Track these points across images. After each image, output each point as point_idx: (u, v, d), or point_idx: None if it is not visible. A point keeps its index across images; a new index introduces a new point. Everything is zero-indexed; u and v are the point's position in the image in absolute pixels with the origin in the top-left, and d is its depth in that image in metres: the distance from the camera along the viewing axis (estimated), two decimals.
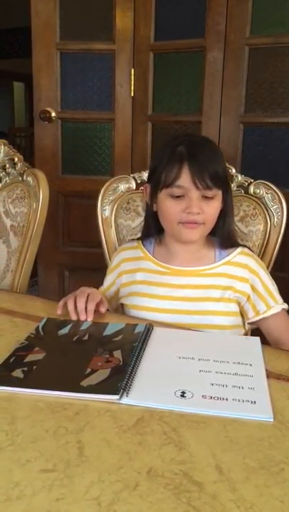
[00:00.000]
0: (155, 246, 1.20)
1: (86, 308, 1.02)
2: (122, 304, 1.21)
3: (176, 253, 1.15)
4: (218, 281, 1.12)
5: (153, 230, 1.19)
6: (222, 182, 1.07)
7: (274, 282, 1.16)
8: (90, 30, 2.26)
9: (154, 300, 1.13)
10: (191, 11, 2.12)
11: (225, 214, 1.13)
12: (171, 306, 1.11)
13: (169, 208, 1.08)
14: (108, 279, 1.25)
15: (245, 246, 1.19)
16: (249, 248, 1.20)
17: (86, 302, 1.03)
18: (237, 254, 1.14)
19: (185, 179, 1.04)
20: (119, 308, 1.23)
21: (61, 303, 1.06)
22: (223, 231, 1.14)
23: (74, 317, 1.02)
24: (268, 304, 1.12)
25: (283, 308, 1.14)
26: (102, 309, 1.06)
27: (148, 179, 1.17)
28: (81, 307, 1.02)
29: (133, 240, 1.28)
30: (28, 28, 2.27)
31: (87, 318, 1.01)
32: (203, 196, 1.05)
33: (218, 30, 2.06)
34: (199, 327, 1.07)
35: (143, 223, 1.26)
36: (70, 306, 1.03)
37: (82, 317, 1.01)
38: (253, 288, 1.12)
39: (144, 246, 1.21)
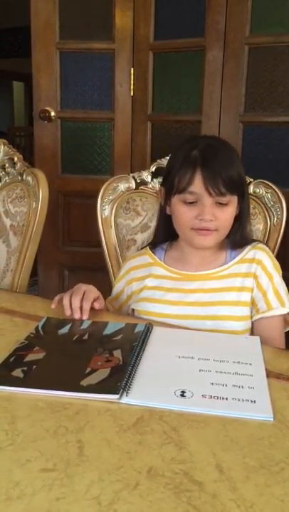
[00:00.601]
0: (167, 251, 1.18)
1: (82, 306, 1.02)
2: (133, 309, 1.18)
3: (188, 257, 1.13)
4: (230, 282, 1.09)
5: (165, 233, 1.16)
6: (237, 187, 1.04)
7: (283, 282, 1.12)
8: (90, 30, 2.26)
9: (165, 306, 1.10)
10: (191, 10, 2.12)
11: (240, 219, 1.10)
12: (183, 312, 1.09)
13: (182, 214, 1.05)
14: (116, 288, 1.23)
15: (258, 241, 1.16)
16: (263, 243, 1.17)
17: (82, 300, 1.02)
18: (249, 250, 1.11)
19: (198, 185, 1.01)
20: (130, 315, 1.20)
21: (57, 298, 1.06)
22: (236, 236, 1.11)
23: (68, 313, 1.01)
24: (269, 303, 1.08)
25: (283, 314, 1.10)
26: (96, 305, 1.05)
27: (162, 182, 1.15)
28: (76, 305, 1.01)
29: (142, 248, 1.26)
30: (28, 28, 2.26)
31: (82, 317, 1.01)
32: (216, 202, 1.02)
33: (217, 29, 2.05)
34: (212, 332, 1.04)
35: (155, 227, 1.23)
36: (66, 302, 1.02)
37: (77, 315, 1.01)
38: (258, 284, 1.09)
39: (154, 252, 1.18)
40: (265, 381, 0.78)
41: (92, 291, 1.06)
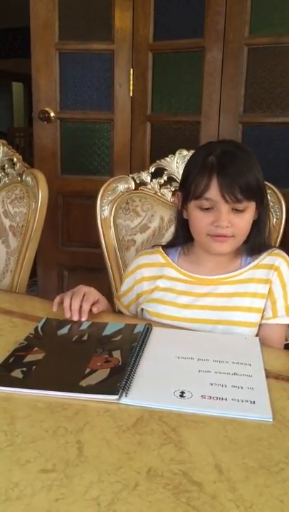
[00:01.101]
0: (180, 255, 1.16)
1: (81, 307, 1.02)
2: (142, 309, 1.17)
3: (203, 262, 1.11)
4: (244, 288, 1.07)
5: (182, 238, 1.14)
6: (254, 194, 1.02)
7: None
8: (89, 30, 2.26)
9: (176, 309, 1.09)
10: (190, 10, 2.12)
11: (258, 225, 1.08)
12: (194, 316, 1.07)
13: (198, 220, 1.04)
14: (125, 285, 1.21)
15: (276, 248, 1.14)
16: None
17: (82, 301, 1.03)
18: (266, 256, 1.09)
19: (214, 192, 0.99)
20: (139, 314, 1.19)
21: (57, 299, 1.06)
22: (254, 242, 1.09)
23: (68, 315, 1.02)
24: (276, 311, 1.07)
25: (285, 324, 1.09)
26: (94, 309, 1.04)
27: (179, 187, 1.13)
28: (75, 307, 1.02)
29: (154, 245, 1.23)
30: (27, 28, 2.27)
31: (81, 318, 1.01)
32: (233, 209, 1.00)
33: (217, 29, 2.06)
34: None
35: (174, 231, 1.21)
36: (66, 304, 1.03)
37: (75, 317, 1.01)
38: (270, 291, 1.07)
39: (167, 253, 1.17)
40: (264, 382, 0.78)
41: (92, 294, 1.06)
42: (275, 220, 1.29)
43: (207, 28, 2.07)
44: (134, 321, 1.03)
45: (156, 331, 0.97)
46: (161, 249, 1.18)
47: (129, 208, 1.42)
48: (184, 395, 0.73)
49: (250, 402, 0.72)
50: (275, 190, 1.29)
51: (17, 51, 7.10)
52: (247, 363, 0.84)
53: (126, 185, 1.43)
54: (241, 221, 1.02)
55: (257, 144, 2.12)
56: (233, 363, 0.84)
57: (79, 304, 1.02)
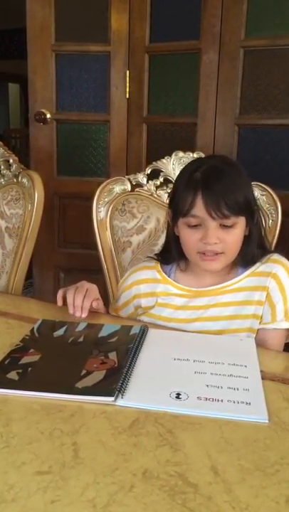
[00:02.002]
0: (177, 270, 1.14)
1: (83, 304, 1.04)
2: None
3: (200, 277, 1.10)
4: (242, 296, 1.07)
5: (175, 254, 1.12)
6: (243, 210, 1.00)
7: None
8: (86, 32, 2.27)
9: (176, 324, 1.08)
10: (187, 12, 2.12)
11: (249, 242, 1.06)
12: (194, 328, 1.06)
13: (187, 238, 1.03)
14: (122, 298, 1.18)
15: (274, 252, 1.12)
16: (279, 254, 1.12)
17: (84, 298, 1.04)
18: (264, 263, 1.08)
19: (199, 209, 0.98)
20: None
21: (60, 293, 1.06)
22: (246, 257, 1.07)
23: (71, 311, 1.04)
24: (275, 316, 1.06)
25: (285, 329, 1.08)
26: (94, 304, 1.06)
27: (169, 205, 1.12)
28: (78, 304, 1.03)
29: (151, 258, 1.19)
30: (24, 30, 2.26)
31: (82, 315, 1.03)
32: (221, 225, 0.99)
33: (213, 32, 2.06)
34: None
35: (163, 245, 1.19)
36: (70, 300, 1.04)
37: (78, 313, 1.03)
38: (268, 296, 1.06)
39: (163, 269, 1.14)
40: (260, 383, 0.78)
41: (94, 291, 1.07)
42: (271, 221, 1.29)
43: (203, 30, 2.08)
44: (130, 323, 1.03)
45: (152, 333, 0.97)
46: (158, 265, 1.15)
47: (125, 210, 1.42)
48: (180, 396, 0.73)
49: (246, 403, 0.72)
50: (271, 192, 1.30)
51: (13, 52, 7.10)
52: (243, 365, 0.84)
53: (122, 187, 1.43)
54: (230, 237, 1.01)
55: (253, 146, 2.13)
56: (229, 364, 0.84)
57: (82, 300, 1.03)
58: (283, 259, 1.08)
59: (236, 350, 0.92)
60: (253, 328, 1.06)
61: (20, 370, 0.80)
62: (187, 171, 1.04)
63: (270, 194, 1.29)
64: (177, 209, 1.02)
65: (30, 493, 0.53)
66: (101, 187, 1.43)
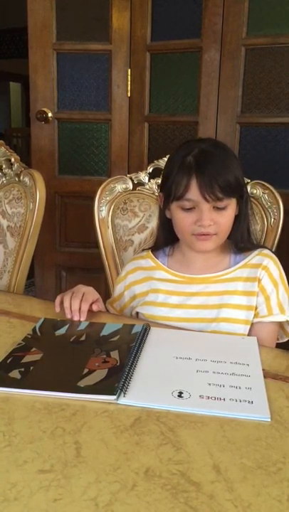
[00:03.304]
0: (169, 256, 1.17)
1: (80, 308, 1.03)
2: (137, 313, 1.18)
3: (191, 260, 1.12)
4: (234, 286, 1.09)
5: (166, 238, 1.15)
6: (234, 191, 1.03)
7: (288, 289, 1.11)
8: (87, 31, 2.26)
9: (169, 309, 1.10)
10: (188, 11, 2.12)
11: (239, 220, 1.10)
12: (186, 315, 1.08)
13: (181, 220, 1.05)
14: (117, 290, 1.22)
15: (265, 247, 1.15)
16: (271, 250, 1.16)
17: (81, 302, 1.04)
18: (255, 256, 1.11)
19: (194, 192, 1.00)
20: (134, 317, 1.20)
21: (58, 300, 1.06)
22: (237, 236, 1.11)
23: (69, 316, 1.03)
24: (271, 309, 1.08)
25: (281, 322, 1.10)
26: (94, 307, 1.06)
27: (160, 188, 1.14)
28: (75, 308, 1.03)
29: (143, 250, 1.24)
30: (25, 29, 2.26)
31: (80, 319, 1.02)
32: (214, 207, 1.02)
33: (214, 30, 2.06)
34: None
35: (156, 231, 1.22)
36: (66, 304, 1.04)
37: (76, 317, 1.02)
38: (262, 289, 1.08)
39: (156, 256, 1.18)
40: (262, 382, 0.78)
41: (90, 293, 1.07)
42: (272, 220, 1.29)
43: (205, 29, 2.08)
44: (131, 322, 1.03)
45: (154, 331, 0.97)
46: (150, 253, 1.19)
47: (126, 208, 1.42)
48: (182, 395, 0.73)
49: (248, 402, 0.72)
50: (273, 190, 1.29)
51: (14, 52, 7.11)
52: (245, 363, 0.84)
53: (124, 186, 1.43)
54: (223, 218, 1.04)
55: (254, 145, 2.13)
56: (231, 363, 0.84)
57: (78, 305, 1.03)
58: (272, 254, 1.12)
59: (238, 349, 0.92)
60: (248, 319, 1.07)
61: (22, 369, 0.80)
62: (179, 155, 1.05)
63: (272, 192, 1.29)
64: (170, 193, 1.04)
65: (32, 491, 0.53)
66: (102, 186, 1.43)
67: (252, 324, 1.08)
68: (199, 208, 1.02)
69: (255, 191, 1.31)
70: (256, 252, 1.11)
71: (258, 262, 1.09)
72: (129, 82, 2.24)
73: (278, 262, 1.12)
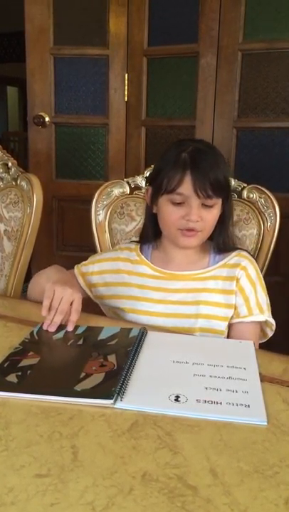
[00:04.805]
0: (152, 251, 1.20)
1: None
2: (115, 308, 1.20)
3: (173, 257, 1.16)
4: (212, 284, 1.12)
5: (151, 232, 1.18)
6: (223, 190, 1.07)
7: (267, 295, 1.14)
8: (84, 35, 2.27)
9: (150, 304, 1.13)
10: (185, 16, 2.13)
11: (223, 221, 1.13)
12: (166, 310, 1.12)
13: (169, 214, 1.08)
14: (98, 265, 1.22)
15: (243, 249, 1.19)
16: (249, 252, 1.20)
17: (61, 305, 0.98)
18: (234, 257, 1.14)
19: (186, 187, 1.04)
20: (102, 305, 1.23)
21: (44, 306, 1.00)
22: (219, 238, 1.14)
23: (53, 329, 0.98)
24: (251, 309, 1.11)
25: (260, 323, 1.12)
26: (69, 327, 0.99)
27: (150, 182, 1.17)
28: (56, 321, 0.98)
29: (132, 241, 1.28)
30: (23, 33, 2.27)
31: (68, 328, 0.98)
32: (202, 204, 1.06)
33: (211, 35, 2.07)
34: (194, 330, 1.09)
35: (142, 225, 1.25)
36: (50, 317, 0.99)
37: (51, 329, 0.97)
38: (241, 289, 1.11)
39: (141, 250, 1.21)
40: (259, 385, 0.78)
41: (66, 297, 0.99)
42: (268, 224, 1.30)
43: (201, 34, 2.09)
44: (129, 325, 1.03)
45: (151, 335, 0.97)
46: (138, 248, 1.21)
47: (124, 213, 1.42)
48: (179, 399, 0.73)
49: (245, 405, 0.72)
50: (269, 194, 1.30)
51: (12, 56, 7.12)
52: (241, 367, 0.84)
53: (121, 190, 1.43)
54: (210, 216, 1.08)
55: (251, 149, 2.14)
56: (227, 366, 0.84)
57: (60, 317, 0.98)
58: (250, 256, 1.17)
59: (235, 353, 0.92)
60: (227, 316, 1.11)
61: (19, 373, 0.80)
62: (173, 152, 1.08)
63: (269, 196, 1.30)
64: (161, 186, 1.07)
65: (29, 496, 0.53)
66: (100, 190, 1.43)
67: (234, 325, 1.11)
68: (189, 204, 1.05)
69: (251, 195, 1.31)
70: (235, 253, 1.15)
71: (237, 263, 1.13)
72: (126, 87, 2.25)
73: (256, 264, 1.16)
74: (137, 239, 1.27)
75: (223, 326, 1.10)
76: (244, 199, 1.32)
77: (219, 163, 1.08)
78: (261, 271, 1.29)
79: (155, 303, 1.13)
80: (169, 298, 1.13)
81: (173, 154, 1.07)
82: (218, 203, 1.08)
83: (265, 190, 1.30)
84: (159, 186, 1.08)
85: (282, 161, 2.09)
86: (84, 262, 1.26)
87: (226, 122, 2.13)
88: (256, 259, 1.29)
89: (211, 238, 1.15)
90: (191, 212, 1.05)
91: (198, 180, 1.03)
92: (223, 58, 2.08)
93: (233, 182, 1.34)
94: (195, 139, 1.18)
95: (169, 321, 1.10)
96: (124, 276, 1.18)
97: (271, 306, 1.15)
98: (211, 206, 1.07)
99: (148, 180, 1.24)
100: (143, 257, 1.19)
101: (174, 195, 1.06)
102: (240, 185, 1.33)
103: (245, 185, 1.33)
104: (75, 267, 1.25)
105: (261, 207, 1.30)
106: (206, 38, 2.08)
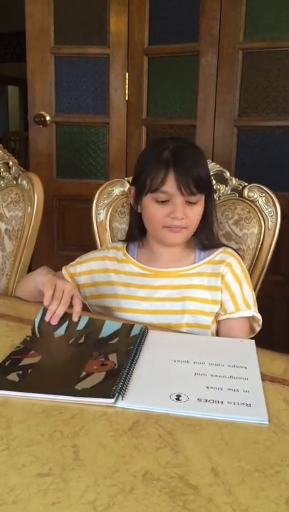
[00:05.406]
0: (138, 249, 1.21)
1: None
2: (102, 307, 1.20)
3: (158, 255, 1.16)
4: (198, 280, 1.13)
5: (136, 232, 1.19)
6: (205, 187, 1.09)
7: (253, 291, 1.15)
8: (85, 35, 2.27)
9: (136, 301, 1.14)
10: (185, 15, 2.13)
11: (206, 216, 1.14)
12: (152, 307, 1.13)
13: (154, 213, 1.09)
14: (86, 265, 1.22)
15: (228, 246, 1.20)
16: (235, 250, 1.19)
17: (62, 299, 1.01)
18: (219, 253, 1.15)
19: (170, 185, 1.05)
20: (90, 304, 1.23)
21: (47, 296, 1.02)
22: (202, 233, 1.15)
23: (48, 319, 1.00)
24: (237, 305, 1.11)
25: (248, 318, 1.13)
26: (77, 308, 1.02)
27: (132, 182, 1.17)
28: (59, 313, 0.99)
29: (119, 241, 1.29)
30: (23, 33, 2.27)
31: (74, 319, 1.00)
32: (186, 201, 1.07)
33: (212, 34, 2.07)
34: (180, 326, 1.10)
35: (128, 225, 1.26)
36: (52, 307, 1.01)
37: (54, 321, 0.99)
38: (226, 286, 1.12)
39: (128, 249, 1.21)
40: (260, 384, 0.78)
41: (66, 290, 1.02)
42: (269, 223, 1.30)
43: (202, 33, 2.08)
44: (130, 321, 1.03)
45: (152, 334, 0.97)
46: (124, 247, 1.22)
47: (124, 212, 1.42)
48: (180, 398, 0.73)
49: (246, 404, 0.72)
50: (270, 193, 1.30)
51: (12, 55, 7.13)
52: (243, 366, 0.84)
53: (121, 189, 1.43)
54: (194, 213, 1.09)
55: (252, 148, 2.13)
56: (228, 366, 0.84)
57: (63, 310, 1.00)
58: (235, 253, 1.17)
59: (236, 352, 0.92)
60: (213, 311, 1.12)
61: (20, 372, 0.80)
62: (154, 151, 1.10)
63: (269, 195, 1.30)
64: (145, 186, 1.08)
65: (30, 495, 0.53)
66: (100, 189, 1.43)
67: (223, 322, 1.12)
68: (173, 202, 1.06)
69: (252, 194, 1.31)
70: (220, 250, 1.16)
71: (222, 259, 1.14)
72: (126, 86, 2.25)
73: (241, 260, 1.17)
74: (123, 238, 1.27)
75: (209, 320, 1.11)
76: (245, 198, 1.32)
77: (200, 160, 1.10)
78: (262, 270, 1.29)
79: (140, 300, 1.14)
80: (155, 295, 1.13)
81: (154, 153, 1.08)
82: (201, 200, 1.10)
83: (266, 189, 1.30)
84: (142, 186, 1.09)
85: (283, 160, 2.08)
86: (71, 263, 1.25)
87: (226, 121, 2.13)
88: (256, 259, 1.30)
89: (194, 234, 1.15)
90: (175, 209, 1.06)
91: (181, 177, 1.04)
92: (224, 57, 2.07)
93: (233, 181, 1.34)
94: (175, 138, 1.19)
95: (154, 318, 1.11)
96: (111, 275, 1.19)
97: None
98: (194, 203, 1.08)
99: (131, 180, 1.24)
100: (129, 255, 1.20)
101: (158, 194, 1.06)
102: (241, 184, 1.33)
103: (246, 184, 1.33)
104: (63, 268, 1.24)
105: (262, 206, 1.30)
106: (206, 37, 2.08)
